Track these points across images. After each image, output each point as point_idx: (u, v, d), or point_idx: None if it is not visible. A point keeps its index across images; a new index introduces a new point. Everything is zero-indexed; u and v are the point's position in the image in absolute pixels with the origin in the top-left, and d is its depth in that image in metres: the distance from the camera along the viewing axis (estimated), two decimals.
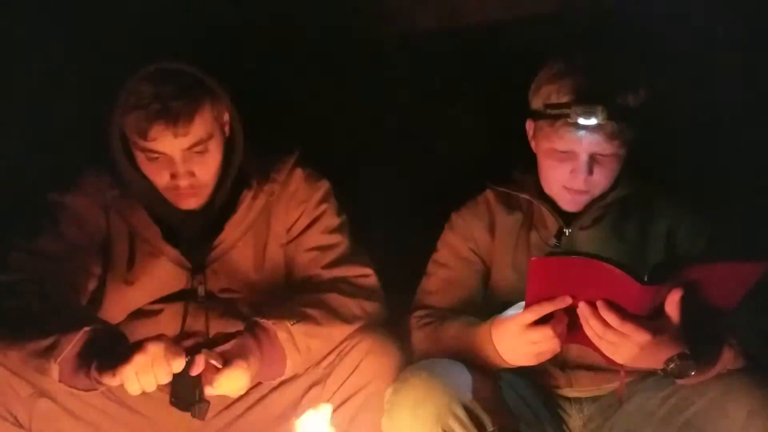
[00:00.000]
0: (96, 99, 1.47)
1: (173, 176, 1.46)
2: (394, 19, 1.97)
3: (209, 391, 1.31)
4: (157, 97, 1.40)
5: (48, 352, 1.28)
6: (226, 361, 1.31)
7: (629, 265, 1.19)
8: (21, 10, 1.81)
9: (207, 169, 1.48)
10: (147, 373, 1.24)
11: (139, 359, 1.23)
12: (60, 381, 1.30)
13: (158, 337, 1.26)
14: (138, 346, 1.24)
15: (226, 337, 1.36)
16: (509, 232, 1.58)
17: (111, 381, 1.24)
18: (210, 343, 1.35)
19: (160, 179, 1.47)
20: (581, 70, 1.43)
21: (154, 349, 1.24)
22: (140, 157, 1.46)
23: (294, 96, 1.93)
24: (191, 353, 1.29)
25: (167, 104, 1.39)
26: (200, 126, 1.44)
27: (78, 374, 1.29)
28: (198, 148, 1.45)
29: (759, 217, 1.73)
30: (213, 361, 1.30)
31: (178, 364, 1.27)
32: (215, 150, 1.49)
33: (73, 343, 1.28)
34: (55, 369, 1.28)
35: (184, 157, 1.44)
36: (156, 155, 1.44)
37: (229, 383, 1.32)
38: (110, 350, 1.27)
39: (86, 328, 1.29)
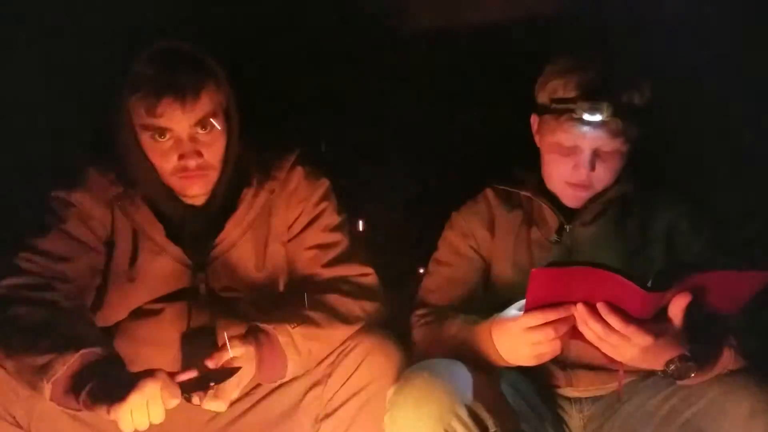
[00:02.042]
0: (99, 96, 1.47)
1: (181, 157, 1.45)
2: (393, 19, 1.97)
3: (195, 401, 1.30)
4: (164, 73, 1.41)
5: (41, 371, 1.27)
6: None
7: (631, 272, 1.19)
8: (22, 7, 1.80)
9: (213, 150, 1.47)
10: (142, 412, 1.22)
11: (134, 399, 1.20)
12: (51, 400, 1.29)
13: (154, 375, 1.23)
14: (134, 384, 1.21)
15: (227, 371, 1.32)
16: (509, 229, 1.58)
17: (104, 416, 1.23)
18: (210, 375, 1.32)
19: (168, 162, 1.45)
20: (589, 67, 1.45)
21: (150, 389, 1.22)
22: (147, 141, 1.45)
23: (294, 95, 1.93)
24: (187, 389, 1.27)
25: (175, 79, 1.40)
26: (206, 102, 1.44)
27: (69, 396, 1.27)
28: (205, 127, 1.44)
29: (758, 216, 1.73)
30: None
31: (173, 402, 1.25)
32: (220, 131, 1.48)
33: (66, 366, 1.26)
34: (47, 389, 1.27)
35: (191, 136, 1.44)
36: (164, 134, 1.43)
37: (213, 406, 1.31)
38: (105, 375, 1.26)
39: (82, 351, 1.28)
